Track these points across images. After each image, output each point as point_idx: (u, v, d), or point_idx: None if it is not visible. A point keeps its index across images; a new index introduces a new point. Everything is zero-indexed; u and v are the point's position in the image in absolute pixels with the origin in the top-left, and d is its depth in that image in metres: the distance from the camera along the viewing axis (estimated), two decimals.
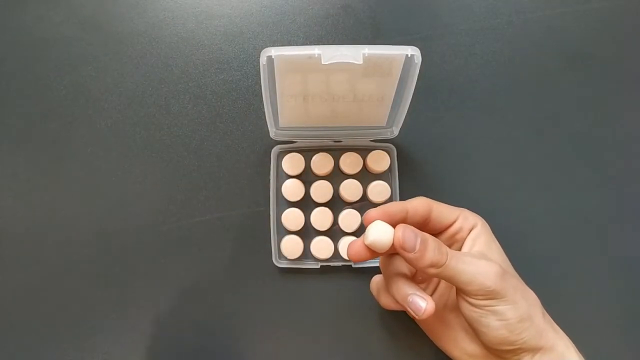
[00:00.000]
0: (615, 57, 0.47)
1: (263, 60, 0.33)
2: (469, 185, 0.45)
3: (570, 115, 0.46)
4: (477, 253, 0.34)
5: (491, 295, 0.31)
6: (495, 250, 0.35)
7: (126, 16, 0.47)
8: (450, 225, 0.36)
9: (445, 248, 0.32)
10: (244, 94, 0.46)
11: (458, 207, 0.36)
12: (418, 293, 0.33)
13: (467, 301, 0.32)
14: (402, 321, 0.41)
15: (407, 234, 0.31)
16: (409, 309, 0.33)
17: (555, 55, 0.47)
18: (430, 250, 0.31)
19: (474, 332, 0.34)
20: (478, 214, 0.37)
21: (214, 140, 0.45)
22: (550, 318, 0.34)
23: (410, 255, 0.31)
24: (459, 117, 0.46)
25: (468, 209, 0.37)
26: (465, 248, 0.35)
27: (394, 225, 0.32)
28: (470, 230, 0.36)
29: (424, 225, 0.35)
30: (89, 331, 0.42)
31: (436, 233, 0.36)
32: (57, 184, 0.44)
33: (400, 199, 0.43)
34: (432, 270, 0.31)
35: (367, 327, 0.42)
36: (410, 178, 0.44)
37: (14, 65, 0.46)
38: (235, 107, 0.46)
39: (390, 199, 0.43)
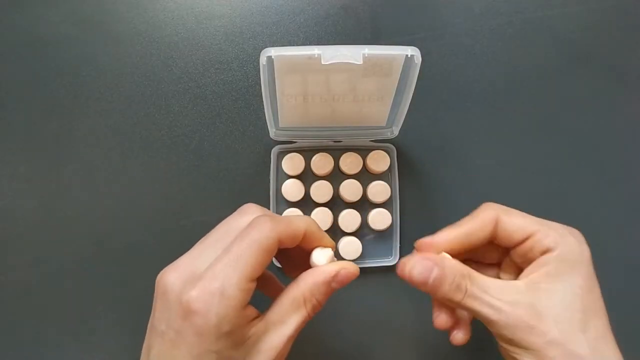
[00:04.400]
0: (615, 57, 0.47)
1: (263, 60, 0.33)
2: (469, 185, 0.45)
3: (570, 115, 0.46)
4: (515, 288, 0.29)
5: (513, 343, 0.28)
6: (560, 292, 0.28)
7: (126, 16, 0.47)
8: (523, 242, 0.30)
9: (468, 281, 0.28)
10: (244, 94, 0.46)
11: (542, 218, 0.30)
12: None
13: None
14: (402, 321, 0.41)
15: (417, 269, 0.29)
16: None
17: (555, 55, 0.47)
18: (447, 284, 0.28)
19: None
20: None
21: (214, 140, 0.45)
22: None
23: (423, 288, 0.29)
24: (459, 117, 0.46)
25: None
26: (523, 275, 0.29)
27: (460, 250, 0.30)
28: (543, 253, 0.29)
29: (492, 239, 0.31)
30: (89, 331, 0.42)
31: (509, 247, 0.31)
32: (57, 184, 0.44)
33: (400, 200, 0.43)
34: (451, 304, 0.29)
35: (367, 326, 0.42)
36: (410, 178, 0.44)
37: (14, 65, 0.46)
38: (235, 107, 0.46)
39: (390, 199, 0.43)
